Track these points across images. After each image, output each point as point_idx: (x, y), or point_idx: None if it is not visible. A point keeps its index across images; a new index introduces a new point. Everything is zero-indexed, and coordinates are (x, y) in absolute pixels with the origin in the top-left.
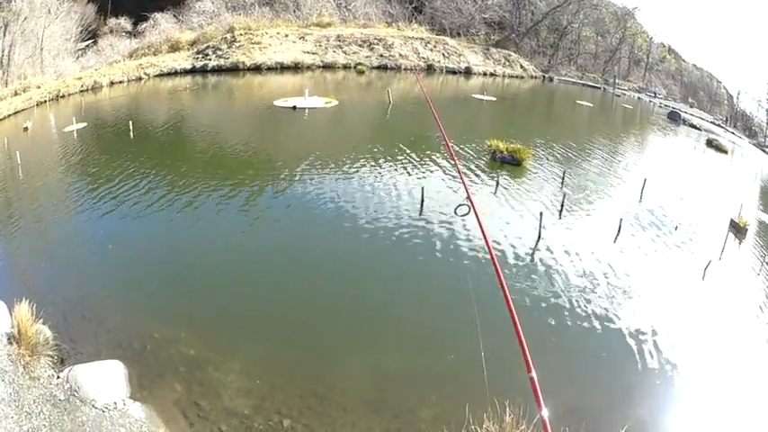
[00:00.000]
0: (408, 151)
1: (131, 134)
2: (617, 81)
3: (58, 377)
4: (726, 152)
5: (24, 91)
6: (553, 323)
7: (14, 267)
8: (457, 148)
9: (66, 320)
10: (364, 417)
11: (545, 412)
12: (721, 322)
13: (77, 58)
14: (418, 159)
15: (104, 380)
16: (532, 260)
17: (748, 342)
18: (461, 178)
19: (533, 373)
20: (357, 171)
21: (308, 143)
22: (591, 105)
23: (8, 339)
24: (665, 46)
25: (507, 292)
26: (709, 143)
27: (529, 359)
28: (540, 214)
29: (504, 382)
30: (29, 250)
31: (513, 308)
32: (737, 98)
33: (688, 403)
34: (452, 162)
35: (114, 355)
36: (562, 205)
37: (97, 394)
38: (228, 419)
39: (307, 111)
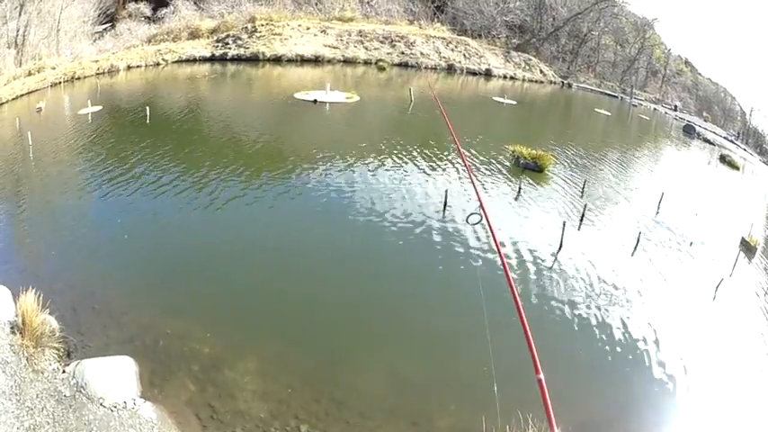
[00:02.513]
0: (430, 151)
1: (148, 120)
2: (634, 91)
3: (64, 371)
4: (738, 168)
5: (39, 71)
6: (568, 333)
7: (22, 253)
8: (477, 152)
9: (74, 311)
10: (383, 424)
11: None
12: (732, 341)
13: (94, 41)
14: (441, 160)
15: (114, 377)
16: (552, 269)
17: (759, 363)
18: (474, 186)
19: (541, 375)
20: (380, 169)
21: (330, 138)
22: (609, 114)
23: (11, 329)
24: (682, 59)
25: (518, 297)
26: (723, 159)
27: (537, 361)
28: (564, 224)
29: (527, 393)
30: (38, 236)
31: (522, 311)
32: (750, 115)
33: (694, 421)
34: (466, 167)
35: (124, 350)
36: (582, 216)
37: (106, 392)
38: (244, 423)
39: (328, 105)
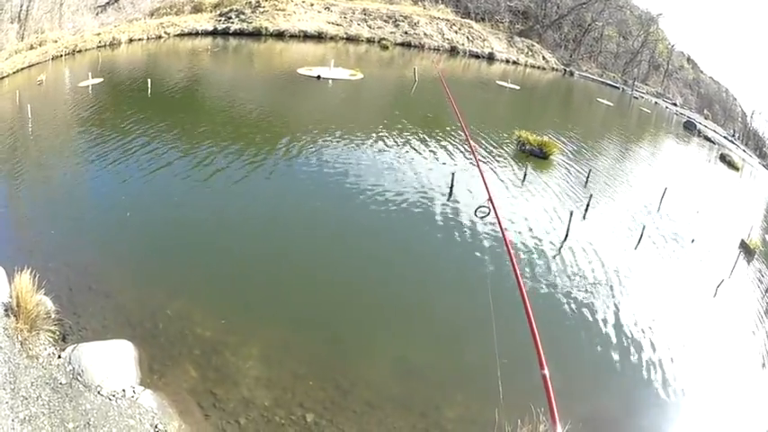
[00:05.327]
0: (436, 132)
1: (149, 92)
2: (636, 83)
3: (60, 357)
4: (737, 169)
5: (40, 45)
6: (573, 326)
7: (18, 231)
8: (482, 134)
9: (70, 292)
10: (391, 414)
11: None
12: (732, 341)
13: (97, 14)
14: (447, 140)
15: (112, 362)
16: (557, 260)
17: (759, 362)
18: (483, 179)
19: (546, 371)
20: (386, 148)
21: (335, 114)
22: (610, 105)
23: (5, 311)
24: (684, 55)
25: (525, 293)
26: (723, 158)
27: (542, 356)
28: (571, 213)
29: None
30: (35, 213)
31: (529, 306)
32: (751, 117)
33: (695, 417)
34: (475, 160)
35: (123, 333)
36: (587, 206)
37: (104, 379)
38: (247, 412)
39: (331, 81)
